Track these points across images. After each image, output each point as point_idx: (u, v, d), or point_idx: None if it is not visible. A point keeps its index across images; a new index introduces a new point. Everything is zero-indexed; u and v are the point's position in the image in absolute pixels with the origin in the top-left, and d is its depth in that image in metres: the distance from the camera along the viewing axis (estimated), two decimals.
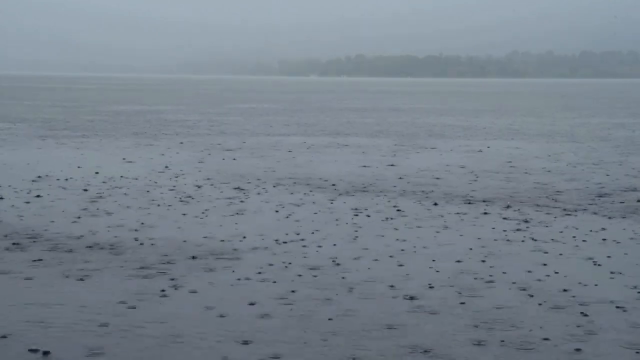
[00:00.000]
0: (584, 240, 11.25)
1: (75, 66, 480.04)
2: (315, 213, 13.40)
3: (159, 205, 14.15)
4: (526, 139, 29.30)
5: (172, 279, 8.95)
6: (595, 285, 8.80)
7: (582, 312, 7.70)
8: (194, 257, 10.05)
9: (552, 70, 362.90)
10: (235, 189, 16.25)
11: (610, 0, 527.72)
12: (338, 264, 9.75)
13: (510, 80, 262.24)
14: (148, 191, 15.78)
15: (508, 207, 13.99)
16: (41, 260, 9.86)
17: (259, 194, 15.63)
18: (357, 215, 13.24)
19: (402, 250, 10.61)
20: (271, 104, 62.11)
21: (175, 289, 8.54)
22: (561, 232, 11.83)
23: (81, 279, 8.96)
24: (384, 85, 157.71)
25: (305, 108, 54.43)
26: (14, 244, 10.81)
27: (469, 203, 14.54)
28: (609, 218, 13.07)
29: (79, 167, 19.65)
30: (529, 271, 9.39)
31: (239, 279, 9.00)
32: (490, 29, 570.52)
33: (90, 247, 10.64)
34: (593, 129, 35.32)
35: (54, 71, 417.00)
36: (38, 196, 15.01)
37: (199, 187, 16.46)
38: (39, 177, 17.68)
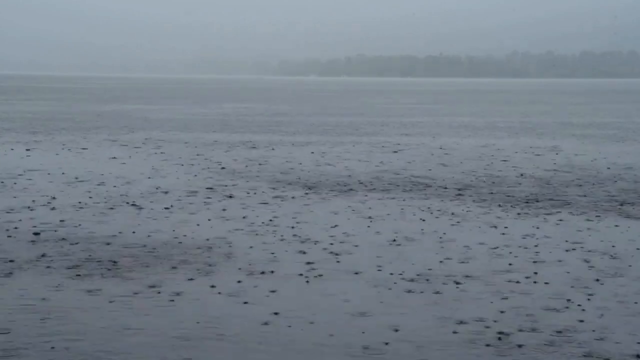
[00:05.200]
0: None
1: (76, 67, 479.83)
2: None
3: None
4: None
5: None
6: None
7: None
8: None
9: (552, 70, 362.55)
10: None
11: (611, 1, 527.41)
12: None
13: (509, 81, 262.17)
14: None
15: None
16: None
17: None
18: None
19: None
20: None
21: None
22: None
23: None
24: (387, 85, 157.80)
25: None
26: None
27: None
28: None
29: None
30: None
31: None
32: (490, 30, 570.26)
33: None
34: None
35: (55, 72, 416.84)
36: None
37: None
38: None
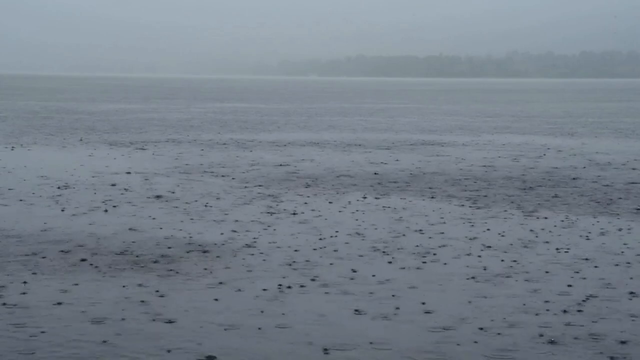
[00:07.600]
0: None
1: (76, 68, 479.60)
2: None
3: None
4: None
5: None
6: None
7: None
8: None
9: (552, 70, 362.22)
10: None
11: (611, 1, 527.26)
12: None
13: (509, 81, 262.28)
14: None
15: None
16: None
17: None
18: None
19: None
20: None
21: None
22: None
23: None
24: (386, 85, 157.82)
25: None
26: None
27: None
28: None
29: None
30: None
31: None
32: (490, 31, 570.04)
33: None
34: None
35: (55, 72, 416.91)
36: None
37: None
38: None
